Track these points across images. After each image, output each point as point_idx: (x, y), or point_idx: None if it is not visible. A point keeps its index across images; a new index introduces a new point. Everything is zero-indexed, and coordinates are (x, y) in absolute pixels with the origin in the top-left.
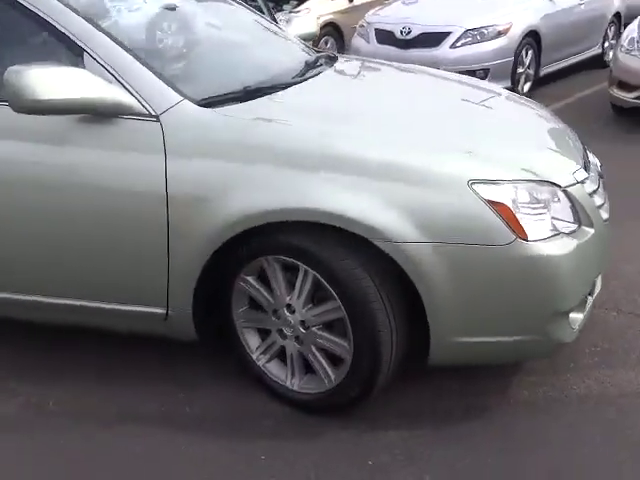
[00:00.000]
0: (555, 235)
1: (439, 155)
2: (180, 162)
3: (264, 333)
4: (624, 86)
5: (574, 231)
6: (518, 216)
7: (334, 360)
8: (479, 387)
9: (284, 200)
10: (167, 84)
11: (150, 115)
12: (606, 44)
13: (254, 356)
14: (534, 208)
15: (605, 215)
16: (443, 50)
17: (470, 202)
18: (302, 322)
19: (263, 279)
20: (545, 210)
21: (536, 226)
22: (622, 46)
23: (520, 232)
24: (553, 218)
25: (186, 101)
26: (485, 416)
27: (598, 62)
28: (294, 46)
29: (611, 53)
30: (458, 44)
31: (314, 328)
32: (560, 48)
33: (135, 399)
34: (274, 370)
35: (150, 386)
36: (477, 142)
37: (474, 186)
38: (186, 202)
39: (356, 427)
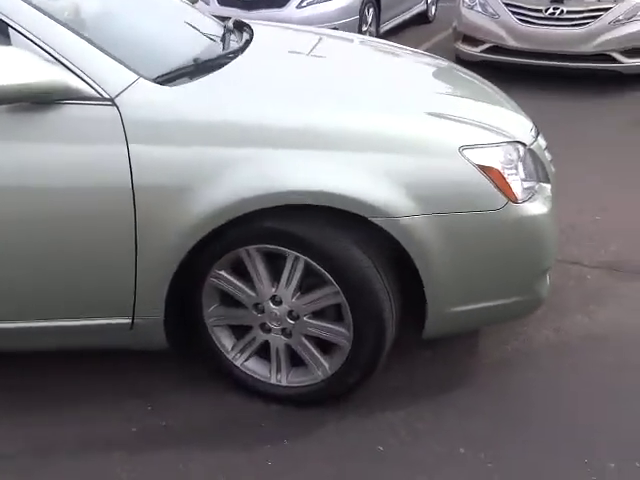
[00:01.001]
0: (532, 195)
1: (426, 122)
2: (145, 150)
3: (239, 331)
4: (470, 40)
5: (537, 189)
6: (508, 179)
7: (323, 349)
8: (454, 354)
9: (270, 184)
10: (118, 62)
11: (103, 98)
12: (429, 1)
13: (230, 356)
14: (512, 169)
15: (553, 169)
16: (289, 10)
17: (462, 169)
18: (290, 313)
19: (238, 272)
20: (516, 171)
21: (519, 187)
22: (464, 2)
23: (510, 195)
24: (522, 178)
25: (142, 79)
26: (470, 380)
27: (423, 18)
28: (208, 19)
29: (433, 8)
30: (304, 4)
31: (305, 317)
32: (395, 6)
33: (96, 422)
34: (255, 368)
35: (109, 404)
36: (450, 106)
37: (465, 152)
38: (156, 195)
39: (355, 414)
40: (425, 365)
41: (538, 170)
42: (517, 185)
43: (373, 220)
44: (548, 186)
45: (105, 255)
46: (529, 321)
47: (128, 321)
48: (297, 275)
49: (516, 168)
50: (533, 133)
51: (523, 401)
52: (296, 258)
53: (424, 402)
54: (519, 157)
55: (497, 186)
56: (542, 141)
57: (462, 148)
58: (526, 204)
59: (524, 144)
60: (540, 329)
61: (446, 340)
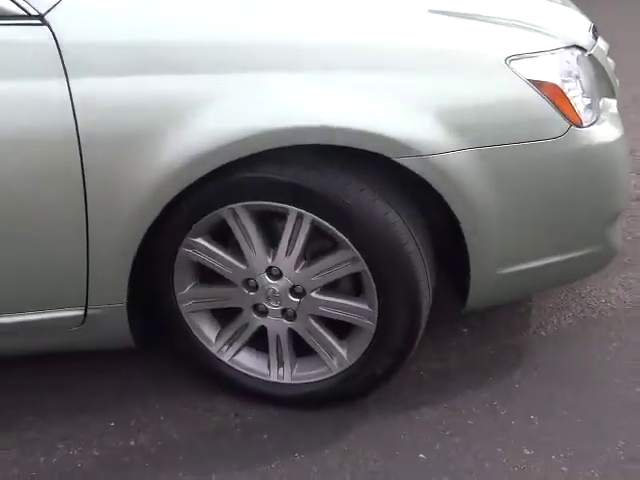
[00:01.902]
0: (598, 115)
1: (459, 28)
2: (92, 83)
3: (225, 316)
4: None
5: (602, 107)
6: (569, 96)
7: (339, 333)
8: (489, 329)
9: (264, 121)
10: None
11: (29, 16)
12: None
13: (214, 349)
14: (573, 83)
15: (617, 81)
16: None
17: (510, 87)
18: (292, 288)
19: (221, 240)
20: (577, 85)
21: (582, 106)
22: None
23: (573, 117)
24: (582, 94)
25: None
26: (523, 363)
27: None
28: None
29: None
30: None
31: (313, 293)
32: None
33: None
34: (249, 363)
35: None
36: (485, 4)
37: (512, 64)
38: (109, 146)
39: (379, 414)
40: (462, 345)
41: (601, 82)
42: (580, 104)
43: (400, 161)
44: (614, 102)
45: (44, 226)
46: (593, 281)
47: (79, 313)
48: (301, 239)
49: (577, 81)
50: (592, 33)
51: (602, 390)
52: (299, 216)
53: (467, 393)
54: (579, 66)
55: (556, 106)
56: (603, 44)
57: (509, 59)
58: (593, 128)
59: (584, 49)
60: (608, 288)
61: (481, 313)
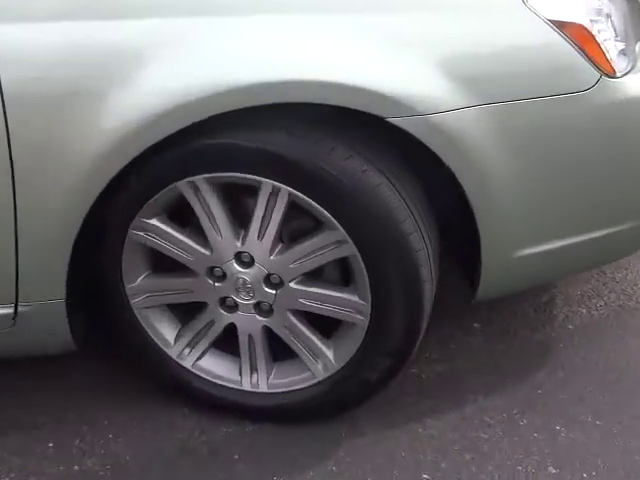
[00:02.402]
0: (634, 63)
1: None
2: (14, 30)
3: (185, 312)
4: None
5: (638, 53)
6: (598, 39)
7: (324, 330)
8: (504, 322)
9: (229, 75)
10: None
11: None
12: None
13: (173, 353)
14: (603, 24)
15: None
16: None
17: (529, 29)
18: (267, 277)
19: (179, 220)
20: (608, 26)
21: (615, 51)
22: None
23: (604, 65)
24: (615, 37)
25: None
26: (546, 363)
27: None
28: None
29: None
30: None
31: (292, 283)
32: None
33: None
34: (216, 369)
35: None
36: None
37: (532, 2)
38: (40, 107)
39: (373, 429)
40: (473, 342)
41: (637, 22)
42: (613, 49)
43: (395, 122)
44: None
45: None
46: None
47: (8, 311)
48: (276, 218)
49: (608, 21)
50: None
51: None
52: (274, 191)
53: (479, 400)
54: (610, 2)
55: (583, 52)
56: None
57: None
58: (628, 78)
59: None
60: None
61: (495, 304)
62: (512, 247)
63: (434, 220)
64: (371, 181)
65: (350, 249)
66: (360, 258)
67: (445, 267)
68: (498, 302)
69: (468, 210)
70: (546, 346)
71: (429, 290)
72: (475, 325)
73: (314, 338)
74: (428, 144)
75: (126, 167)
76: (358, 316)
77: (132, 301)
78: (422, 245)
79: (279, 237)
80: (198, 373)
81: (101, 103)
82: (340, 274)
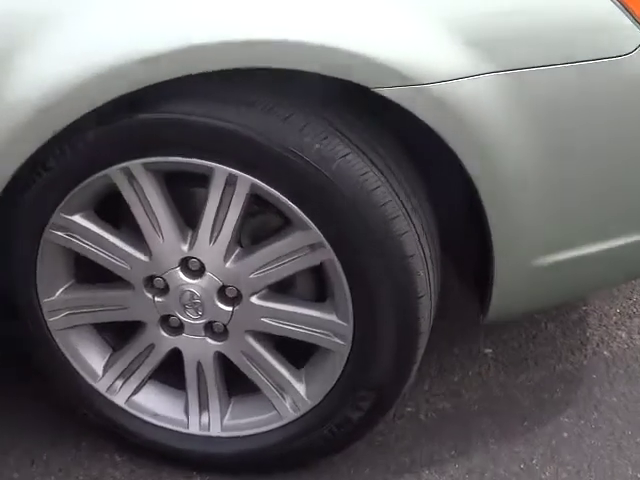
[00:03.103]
0: None
1: None
2: None
3: (117, 335)
4: None
5: None
6: None
7: (293, 358)
8: (523, 348)
9: (173, 31)
10: None
11: None
12: None
13: (102, 386)
14: None
15: None
16: None
17: None
18: (222, 290)
19: (109, 218)
20: None
21: None
22: None
23: None
24: None
25: None
26: (563, 387)
27: None
28: None
29: None
30: None
31: (253, 298)
32: None
33: None
34: (155, 406)
35: None
36: None
37: None
38: None
39: (355, 477)
40: (484, 373)
41: None
42: None
43: (386, 93)
44: None
45: None
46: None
47: None
48: (234, 214)
49: None
50: None
51: None
52: (230, 180)
53: (491, 447)
54: None
55: (625, 8)
56: None
57: None
58: None
59: None
60: None
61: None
62: (532, 253)
63: (434, 219)
64: (354, 168)
65: (327, 255)
66: (339, 266)
67: (449, 279)
68: (515, 322)
69: (477, 207)
70: (575, 378)
71: (427, 307)
72: (486, 351)
73: (281, 368)
74: (426, 120)
75: (41, 149)
76: (337, 340)
77: (49, 319)
78: (418, 249)
79: (237, 239)
80: (133, 412)
81: (7, 72)
82: (314, 287)
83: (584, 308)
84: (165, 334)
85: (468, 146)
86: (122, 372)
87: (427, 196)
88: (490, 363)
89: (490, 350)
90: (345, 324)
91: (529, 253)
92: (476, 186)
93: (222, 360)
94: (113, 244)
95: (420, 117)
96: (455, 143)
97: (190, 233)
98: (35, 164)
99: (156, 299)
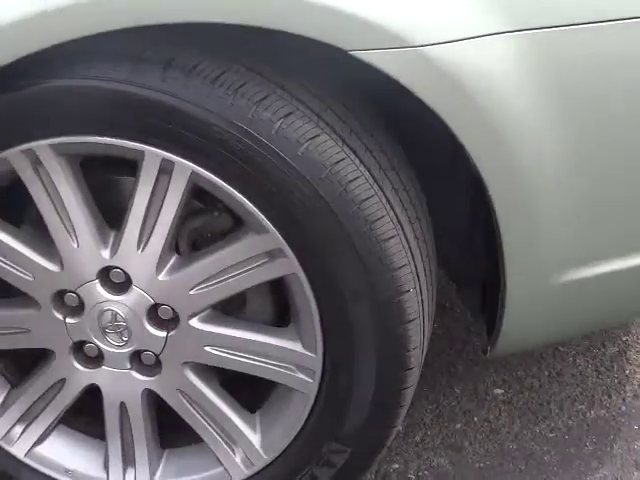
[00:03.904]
0: None
1: None
2: None
3: (17, 366)
4: None
5: None
6: None
7: (244, 398)
8: (544, 389)
9: None
10: None
11: None
12: None
13: None
14: None
15: None
16: None
17: None
18: (154, 311)
19: (7, 216)
20: None
21: None
22: None
23: None
24: None
25: None
26: (594, 438)
27: None
28: None
29: None
30: None
31: (194, 320)
32: None
33: None
34: (65, 459)
35: None
36: None
37: None
38: None
39: None
40: (492, 421)
41: None
42: None
43: (365, 57)
44: None
45: None
46: None
47: None
48: (169, 212)
49: None
50: None
51: None
52: (165, 168)
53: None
54: None
55: None
56: None
57: None
58: None
59: None
60: None
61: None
62: (553, 268)
63: (430, 222)
64: (326, 154)
65: (289, 266)
66: (305, 281)
67: (447, 299)
68: (533, 356)
69: (485, 208)
70: (611, 428)
71: (418, 334)
72: (496, 392)
73: (230, 412)
74: (420, 94)
75: None
76: (301, 376)
77: None
78: (408, 259)
79: (173, 244)
80: (36, 466)
81: None
82: (273, 308)
83: (624, 339)
84: (79, 366)
85: (474, 128)
86: (22, 415)
87: (420, 194)
88: (501, 407)
89: (501, 390)
90: (312, 355)
91: (549, 267)
92: (484, 182)
93: (153, 401)
94: (11, 248)
95: (411, 89)
96: (456, 124)
97: (113, 236)
98: None
99: (68, 321)
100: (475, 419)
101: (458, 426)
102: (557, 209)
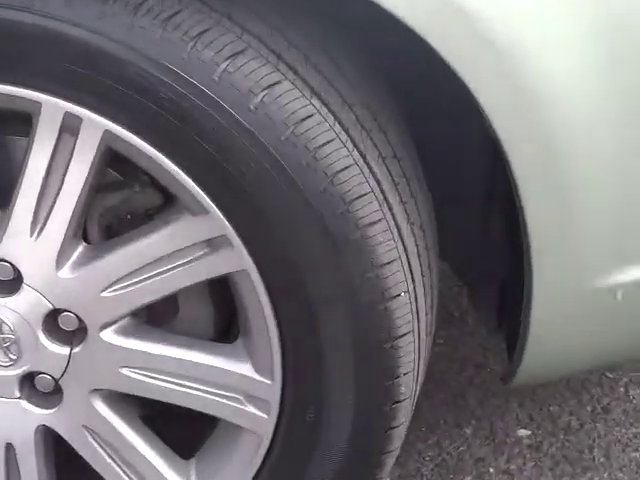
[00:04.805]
0: None
1: None
2: None
3: None
4: None
5: None
6: None
7: (174, 439)
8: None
9: None
10: None
11: None
12: None
13: None
14: None
15: None
16: None
17: None
18: (52, 320)
19: None
20: None
21: None
22: None
23: None
24: None
25: None
26: None
27: None
28: None
29: None
30: None
31: (106, 332)
32: None
33: None
34: None
35: None
36: None
37: None
38: None
39: None
40: (515, 472)
41: None
42: None
43: None
44: None
45: None
46: None
47: None
48: (74, 185)
49: None
50: None
51: None
52: (70, 124)
53: None
54: None
55: None
56: None
57: None
58: None
59: None
60: None
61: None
62: (593, 268)
63: (429, 203)
64: (288, 108)
65: (236, 259)
66: (259, 281)
67: (456, 305)
68: (568, 384)
69: (504, 191)
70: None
71: (412, 353)
72: (520, 434)
73: (154, 457)
74: (417, 28)
75: None
76: (251, 410)
77: None
78: (398, 252)
79: (79, 230)
80: None
81: None
82: (215, 317)
83: None
84: None
85: (492, 84)
86: None
87: (418, 162)
88: (526, 455)
89: (527, 432)
90: (267, 382)
91: (589, 268)
92: (507, 158)
93: (51, 441)
94: None
95: (407, 22)
96: (468, 74)
97: None
98: None
99: None
100: (491, 470)
101: (489, 465)
102: (602, 195)
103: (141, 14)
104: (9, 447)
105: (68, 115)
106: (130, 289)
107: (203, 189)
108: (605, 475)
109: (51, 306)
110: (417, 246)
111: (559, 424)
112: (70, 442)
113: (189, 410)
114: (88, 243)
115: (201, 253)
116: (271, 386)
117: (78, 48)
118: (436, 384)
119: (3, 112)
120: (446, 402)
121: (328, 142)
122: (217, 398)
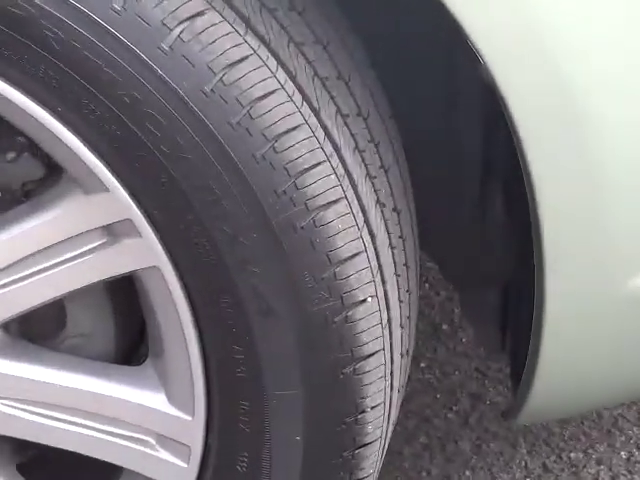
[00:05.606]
0: None
1: None
2: None
3: None
4: None
5: None
6: None
7: None
8: None
9: None
10: None
11: None
12: None
13: None
14: None
15: None
16: None
17: None
18: None
19: None
20: None
21: None
22: None
23: None
24: None
25: None
26: None
27: None
28: None
29: None
30: None
31: None
32: None
33: None
34: None
35: None
36: None
37: None
38: None
39: None
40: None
41: None
42: None
43: None
44: None
45: None
46: None
47: None
48: None
49: None
50: None
51: None
52: None
53: None
54: None
55: None
56: None
57: None
58: None
59: None
60: None
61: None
62: (625, 271)
63: (406, 180)
64: (216, 47)
65: (144, 252)
66: (175, 281)
67: (444, 316)
68: (594, 423)
69: (512, 182)
70: None
71: (381, 380)
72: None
73: None
74: None
75: None
76: (165, 456)
77: None
78: (362, 243)
79: None
80: None
81: None
82: (116, 331)
83: None
84: None
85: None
86: None
87: (394, 125)
88: None
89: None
90: (187, 418)
91: (620, 273)
92: (517, 136)
93: None
94: None
95: None
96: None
97: None
98: None
99: None
100: None
101: None
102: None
103: None
104: None
105: None
106: (0, 292)
107: (101, 159)
108: None
109: None
110: (389, 235)
111: (582, 476)
112: None
113: (82, 456)
114: None
115: (96, 244)
116: (191, 424)
117: None
118: (417, 422)
119: None
120: (430, 447)
121: (269, 94)
122: (118, 440)
